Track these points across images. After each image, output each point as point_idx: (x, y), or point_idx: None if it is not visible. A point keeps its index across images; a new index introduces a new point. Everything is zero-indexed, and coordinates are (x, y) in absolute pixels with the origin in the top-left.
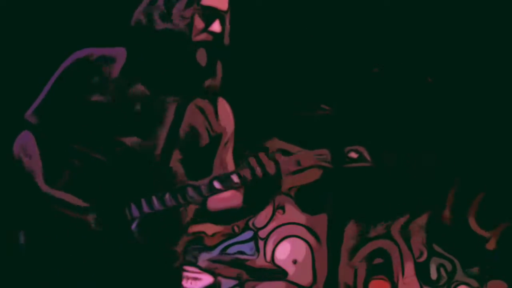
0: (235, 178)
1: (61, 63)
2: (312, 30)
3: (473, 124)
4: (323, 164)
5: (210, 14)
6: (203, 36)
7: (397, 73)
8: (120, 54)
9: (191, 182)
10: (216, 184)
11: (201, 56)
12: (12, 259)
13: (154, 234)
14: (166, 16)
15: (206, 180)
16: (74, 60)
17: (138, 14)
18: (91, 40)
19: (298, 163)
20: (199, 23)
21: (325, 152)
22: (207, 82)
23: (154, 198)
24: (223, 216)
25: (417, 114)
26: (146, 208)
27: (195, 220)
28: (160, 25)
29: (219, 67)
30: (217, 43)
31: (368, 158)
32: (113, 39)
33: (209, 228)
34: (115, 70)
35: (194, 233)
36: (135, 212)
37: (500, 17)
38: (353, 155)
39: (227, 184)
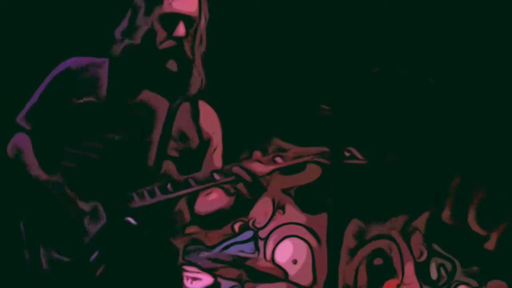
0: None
1: (51, 68)
2: (312, 29)
3: (473, 124)
4: (321, 160)
5: (173, 20)
6: (167, 44)
7: (397, 73)
8: (105, 63)
9: (190, 175)
10: (216, 176)
11: (171, 63)
12: (13, 251)
13: (154, 228)
14: (128, 32)
15: (207, 172)
16: (63, 68)
17: (116, 34)
18: (77, 49)
19: (293, 158)
20: (161, 31)
21: (323, 150)
22: (188, 88)
23: (156, 189)
24: (211, 220)
25: (417, 113)
26: (148, 198)
27: (189, 222)
28: (124, 41)
29: (196, 72)
30: (183, 48)
31: (359, 156)
32: (99, 49)
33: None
34: (102, 77)
35: (193, 233)
36: (138, 202)
37: (500, 17)
38: (346, 154)
39: (227, 176)
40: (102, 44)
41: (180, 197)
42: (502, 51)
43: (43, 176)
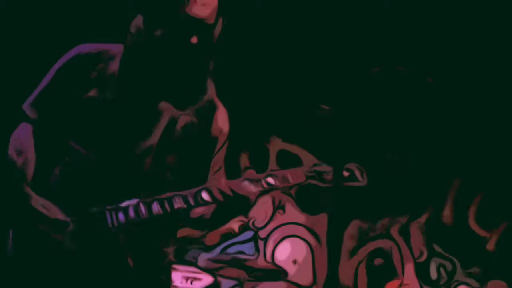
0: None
1: (60, 56)
2: (312, 29)
3: (473, 124)
4: (314, 182)
5: (189, 24)
6: (182, 48)
7: (397, 73)
8: (118, 50)
9: (178, 192)
10: (204, 195)
11: (184, 67)
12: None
13: (140, 237)
14: (143, 33)
15: (193, 190)
16: (73, 55)
17: (132, 27)
18: (90, 36)
19: (287, 180)
20: (176, 35)
21: (328, 169)
22: (199, 94)
23: (141, 205)
24: (197, 221)
25: (417, 114)
26: (133, 215)
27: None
28: (141, 40)
29: (209, 79)
30: (198, 52)
31: (359, 177)
32: (112, 36)
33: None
34: (114, 65)
35: (186, 236)
36: (121, 218)
37: (500, 17)
38: (345, 173)
39: (214, 196)
40: (113, 40)
41: (164, 215)
42: (502, 51)
43: (31, 194)
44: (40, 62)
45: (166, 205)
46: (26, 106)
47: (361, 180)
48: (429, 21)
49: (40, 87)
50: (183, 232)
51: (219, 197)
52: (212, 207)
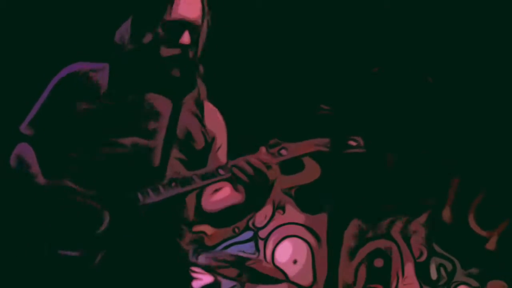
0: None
1: (51, 76)
2: (312, 30)
3: (473, 124)
4: (322, 149)
5: (177, 26)
6: (171, 51)
7: (397, 73)
8: (105, 68)
9: (194, 172)
10: (221, 171)
11: (175, 70)
12: (19, 255)
13: (160, 227)
14: (131, 38)
15: (212, 168)
16: (64, 75)
17: (117, 35)
18: (77, 56)
19: (298, 148)
20: (165, 38)
21: (326, 140)
22: (189, 95)
23: (160, 187)
24: (223, 218)
25: (417, 113)
26: (153, 196)
27: (196, 221)
28: (129, 46)
29: (199, 79)
30: (187, 55)
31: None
32: (98, 54)
33: (209, 228)
34: (103, 81)
35: (194, 233)
36: (142, 200)
37: (500, 17)
38: (352, 143)
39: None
40: (102, 50)
41: (185, 193)
42: (502, 51)
43: (48, 183)
44: (32, 82)
45: (186, 184)
46: (24, 127)
47: (364, 148)
48: (429, 21)
49: (36, 108)
50: (198, 227)
51: (244, 167)
52: (243, 196)
